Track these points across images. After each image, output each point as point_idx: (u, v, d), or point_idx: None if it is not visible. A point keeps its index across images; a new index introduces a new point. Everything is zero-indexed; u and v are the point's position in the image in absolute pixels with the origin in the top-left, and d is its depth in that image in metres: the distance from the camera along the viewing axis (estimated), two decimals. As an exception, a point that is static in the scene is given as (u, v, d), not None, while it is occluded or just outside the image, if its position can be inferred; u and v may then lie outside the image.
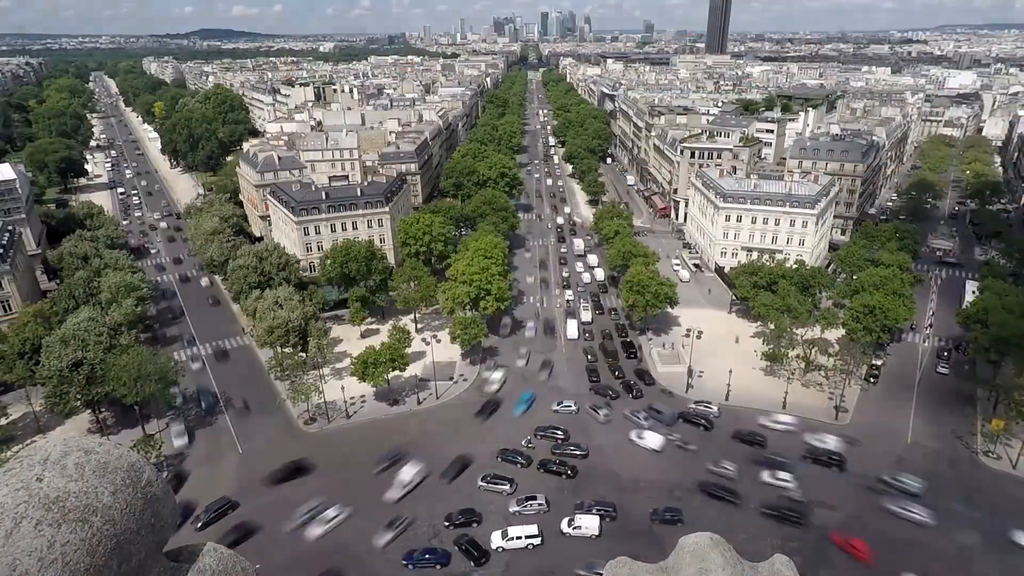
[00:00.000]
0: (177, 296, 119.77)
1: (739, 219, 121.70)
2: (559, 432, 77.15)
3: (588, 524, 61.56)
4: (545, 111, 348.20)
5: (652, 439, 75.22)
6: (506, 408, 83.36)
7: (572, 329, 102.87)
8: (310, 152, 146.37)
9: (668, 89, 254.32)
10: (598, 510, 63.92)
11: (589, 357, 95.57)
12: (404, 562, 58.75)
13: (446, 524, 63.36)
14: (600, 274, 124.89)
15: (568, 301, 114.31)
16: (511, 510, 64.69)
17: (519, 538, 60.01)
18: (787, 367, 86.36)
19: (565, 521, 62.24)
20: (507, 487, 68.08)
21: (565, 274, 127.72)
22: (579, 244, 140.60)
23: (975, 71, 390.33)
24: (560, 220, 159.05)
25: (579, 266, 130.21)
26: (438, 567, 58.10)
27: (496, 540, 60.26)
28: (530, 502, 65.14)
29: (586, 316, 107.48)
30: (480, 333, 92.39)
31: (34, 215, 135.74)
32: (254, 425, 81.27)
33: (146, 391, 74.06)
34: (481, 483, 68.81)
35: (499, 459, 72.85)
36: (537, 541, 60.06)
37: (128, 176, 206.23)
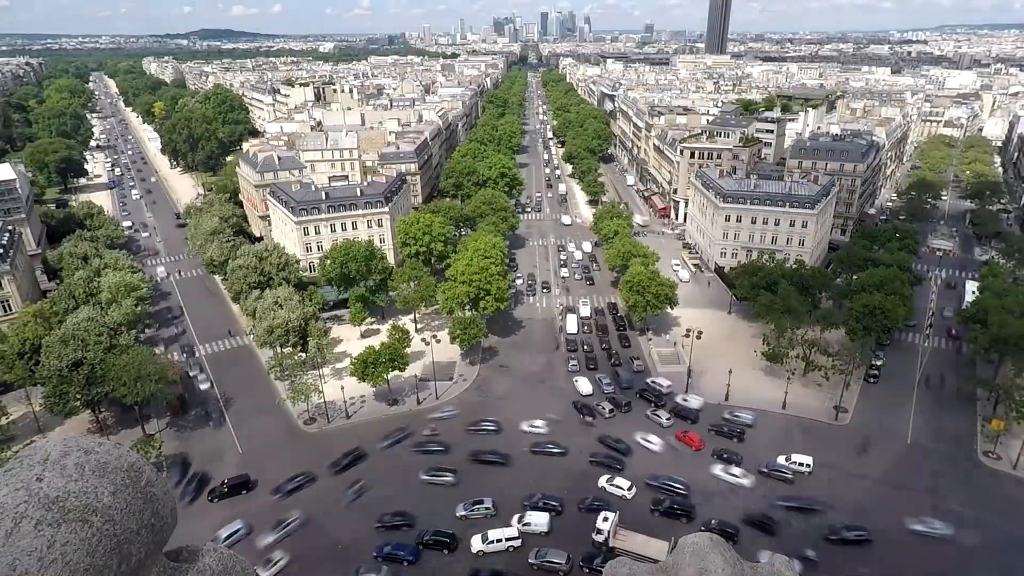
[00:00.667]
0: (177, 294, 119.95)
1: (739, 219, 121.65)
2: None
3: (537, 520, 62.38)
4: (544, 109, 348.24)
5: (584, 384, 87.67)
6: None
7: (572, 324, 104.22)
8: (310, 152, 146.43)
9: (668, 89, 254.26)
10: (545, 503, 64.86)
11: (585, 348, 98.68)
12: (375, 555, 59.39)
13: (377, 525, 63.02)
14: (588, 246, 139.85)
15: (563, 278, 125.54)
16: (458, 514, 64.38)
17: (499, 541, 59.86)
18: (787, 367, 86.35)
19: (516, 518, 62.93)
20: (450, 478, 68.81)
21: (562, 257, 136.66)
22: (562, 188, 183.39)
23: (975, 71, 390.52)
24: (547, 171, 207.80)
25: (569, 242, 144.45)
26: (405, 564, 58.55)
27: (476, 544, 59.91)
28: (476, 506, 65.04)
29: (585, 311, 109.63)
30: (480, 333, 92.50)
31: (34, 215, 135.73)
32: (254, 425, 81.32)
33: (146, 391, 74.05)
34: (424, 476, 69.40)
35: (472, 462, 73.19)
36: (518, 543, 59.93)
37: (135, 191, 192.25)
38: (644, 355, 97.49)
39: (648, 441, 76.49)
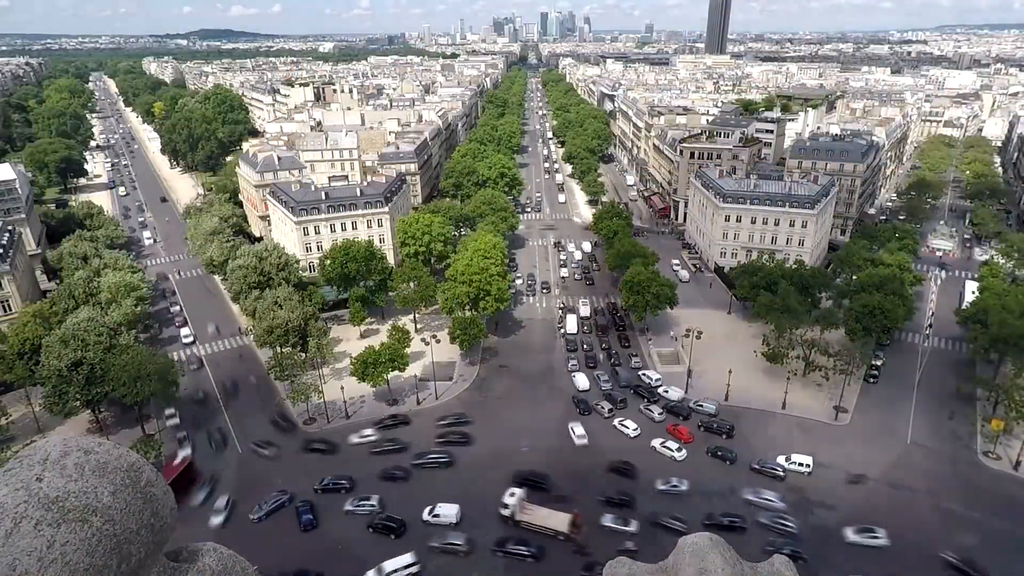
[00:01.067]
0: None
1: (739, 219, 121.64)
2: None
3: (446, 512, 63.54)
4: (543, 106, 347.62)
5: (581, 380, 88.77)
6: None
7: (571, 324, 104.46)
8: (310, 152, 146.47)
9: (668, 89, 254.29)
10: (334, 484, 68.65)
11: (585, 347, 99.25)
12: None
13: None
14: (588, 246, 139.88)
15: (563, 278, 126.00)
16: (344, 509, 65.48)
17: (395, 571, 56.78)
18: (787, 367, 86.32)
19: (427, 510, 63.98)
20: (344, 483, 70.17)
21: (562, 257, 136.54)
22: (559, 178, 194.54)
23: (975, 71, 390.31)
24: (547, 164, 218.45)
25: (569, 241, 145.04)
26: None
27: None
28: (363, 503, 65.88)
29: (585, 311, 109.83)
30: (480, 333, 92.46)
31: (34, 215, 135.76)
32: (254, 425, 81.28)
33: (146, 391, 74.08)
34: (317, 487, 69.48)
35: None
36: (416, 569, 57.43)
37: (147, 233, 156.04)
38: (644, 355, 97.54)
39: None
